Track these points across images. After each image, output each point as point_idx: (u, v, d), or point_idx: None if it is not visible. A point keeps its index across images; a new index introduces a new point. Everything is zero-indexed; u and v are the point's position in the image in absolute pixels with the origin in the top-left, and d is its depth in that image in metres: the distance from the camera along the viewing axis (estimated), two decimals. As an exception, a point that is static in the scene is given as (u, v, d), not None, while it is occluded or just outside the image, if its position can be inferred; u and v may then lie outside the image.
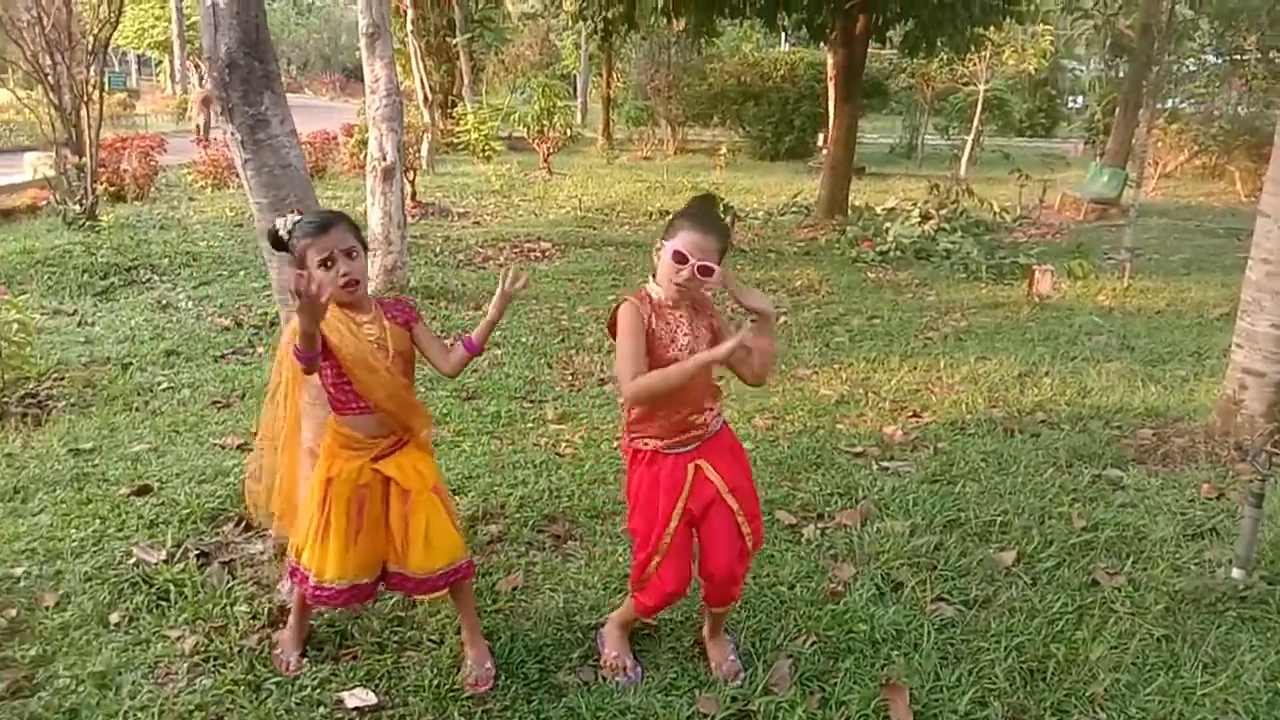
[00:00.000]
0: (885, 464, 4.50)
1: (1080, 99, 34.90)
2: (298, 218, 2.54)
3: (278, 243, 2.55)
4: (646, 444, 2.65)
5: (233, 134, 2.99)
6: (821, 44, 13.89)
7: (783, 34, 22.00)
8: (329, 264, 2.45)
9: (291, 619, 2.88)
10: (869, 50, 13.44)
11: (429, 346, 2.68)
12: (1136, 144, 15.50)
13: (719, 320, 2.70)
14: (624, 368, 2.49)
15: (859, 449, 4.67)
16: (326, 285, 2.34)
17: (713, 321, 2.66)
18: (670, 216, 2.59)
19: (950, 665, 2.90)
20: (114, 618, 3.01)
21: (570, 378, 5.84)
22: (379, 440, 2.61)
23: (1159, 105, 17.05)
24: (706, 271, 2.46)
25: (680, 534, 2.63)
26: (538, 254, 10.10)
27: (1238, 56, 18.75)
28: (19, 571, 3.24)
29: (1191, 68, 19.97)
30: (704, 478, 2.63)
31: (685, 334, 2.58)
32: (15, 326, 5.08)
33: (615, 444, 4.64)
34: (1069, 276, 9.04)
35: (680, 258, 2.47)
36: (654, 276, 2.59)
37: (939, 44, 12.40)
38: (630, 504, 2.73)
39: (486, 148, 17.38)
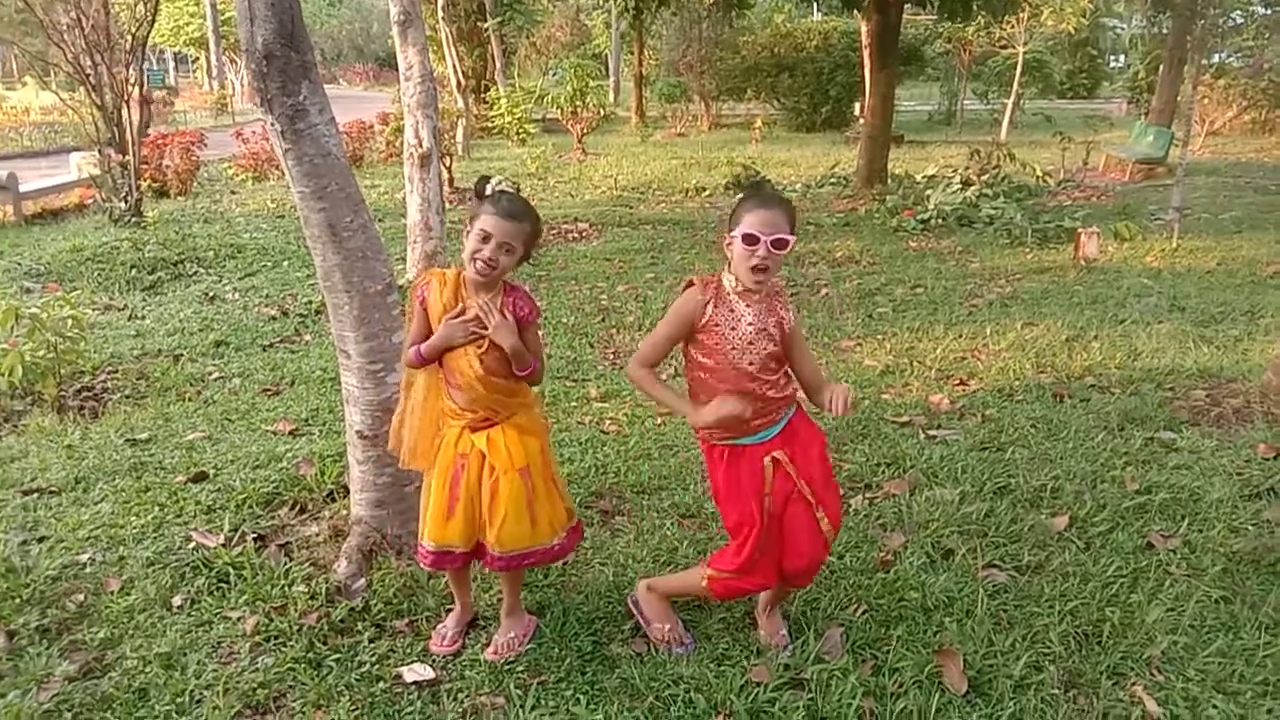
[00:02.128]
0: (932, 432, 4.46)
1: (1122, 58, 34.19)
2: (510, 189, 2.63)
3: (480, 191, 2.63)
4: (720, 441, 2.63)
5: (272, 125, 3.02)
6: (855, 12, 13.70)
7: (815, 3, 21.74)
8: (484, 239, 2.53)
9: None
10: (904, 16, 13.25)
11: (526, 345, 2.69)
12: (1182, 101, 15.12)
13: (792, 325, 2.63)
14: (643, 347, 2.65)
15: (905, 418, 4.64)
16: (469, 250, 2.55)
17: (783, 319, 2.60)
18: (732, 208, 2.58)
19: (1004, 631, 2.89)
20: (177, 601, 3.09)
21: (612, 356, 5.85)
22: (467, 413, 2.66)
23: (1205, 60, 16.59)
24: (781, 245, 2.46)
25: (772, 531, 2.64)
26: (575, 235, 10.11)
27: (1287, 6, 18.21)
28: (84, 558, 3.34)
29: (1238, 20, 19.41)
30: (783, 472, 2.61)
31: (750, 324, 2.55)
32: (69, 322, 5.19)
33: (659, 420, 4.65)
34: (1116, 238, 8.87)
35: (751, 239, 2.46)
36: (728, 267, 2.58)
37: (975, 7, 12.17)
38: (720, 504, 2.73)
39: (521, 131, 17.41)
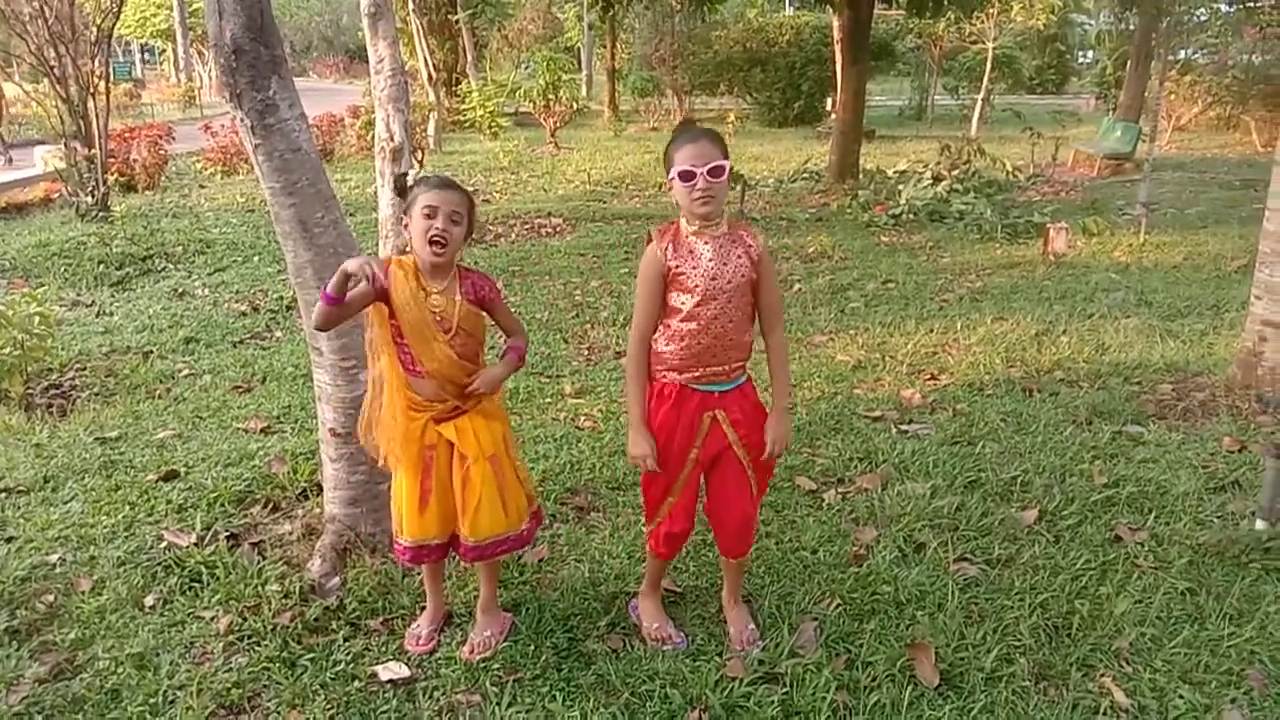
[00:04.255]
0: (904, 427, 4.50)
1: (1090, 53, 34.49)
2: (431, 175, 2.64)
3: (401, 189, 2.65)
4: (666, 377, 2.68)
5: (242, 120, 2.99)
6: (827, 7, 13.75)
7: (787, -2, 21.74)
8: (431, 215, 2.53)
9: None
10: (875, 11, 13.31)
11: (503, 325, 2.77)
12: (1149, 97, 15.32)
13: (761, 252, 2.64)
14: (635, 318, 2.67)
15: (877, 413, 4.68)
16: (416, 236, 2.54)
17: (751, 252, 2.62)
18: (663, 153, 2.61)
19: (975, 624, 2.92)
20: (149, 600, 3.06)
21: (586, 352, 5.85)
22: (435, 404, 2.66)
23: (1171, 57, 16.80)
24: (718, 172, 2.49)
25: (691, 478, 2.72)
26: (548, 230, 10.08)
27: (1251, 4, 18.43)
28: (54, 558, 3.30)
29: (1203, 17, 19.64)
30: (719, 430, 2.68)
31: (710, 261, 2.57)
32: (36, 319, 5.13)
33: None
34: (1084, 234, 8.98)
35: (687, 175, 2.49)
36: (681, 212, 2.62)
37: (946, 2, 12.25)
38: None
39: (493, 124, 17.34)
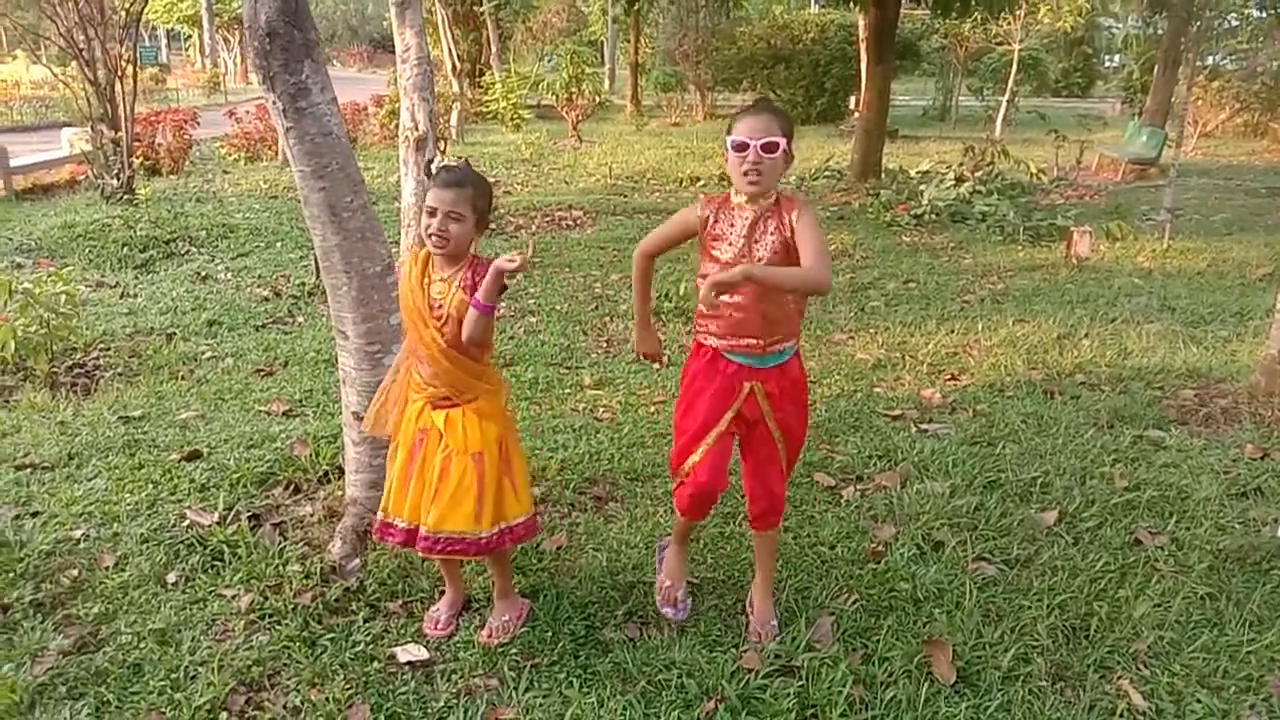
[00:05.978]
0: (924, 426, 4.49)
1: (1117, 57, 34.24)
2: (454, 164, 2.66)
3: (429, 174, 2.68)
4: (708, 340, 2.71)
5: (274, 103, 3.01)
6: (852, 5, 13.70)
7: (813, -4, 21.66)
8: (431, 214, 2.57)
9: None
10: (901, 10, 13.25)
11: None
12: (1176, 102, 15.20)
13: (795, 223, 2.57)
14: (650, 234, 2.80)
15: (897, 412, 4.67)
16: (423, 230, 2.59)
17: (784, 226, 2.58)
18: (727, 126, 2.63)
19: (992, 623, 2.92)
20: (171, 577, 3.10)
21: (605, 344, 5.86)
22: (429, 388, 2.68)
23: (1199, 62, 16.66)
24: (771, 148, 2.51)
25: (723, 438, 2.71)
26: (569, 222, 10.10)
27: (1283, 10, 18.26)
28: (78, 534, 3.34)
29: (1233, 22, 19.47)
30: (754, 400, 2.69)
31: (741, 236, 2.59)
32: (62, 298, 5.18)
33: (653, 408, 4.67)
34: (1107, 238, 8.91)
35: (740, 146, 2.52)
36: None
37: (972, 3, 12.18)
38: (682, 394, 2.79)
39: (515, 116, 17.36)
